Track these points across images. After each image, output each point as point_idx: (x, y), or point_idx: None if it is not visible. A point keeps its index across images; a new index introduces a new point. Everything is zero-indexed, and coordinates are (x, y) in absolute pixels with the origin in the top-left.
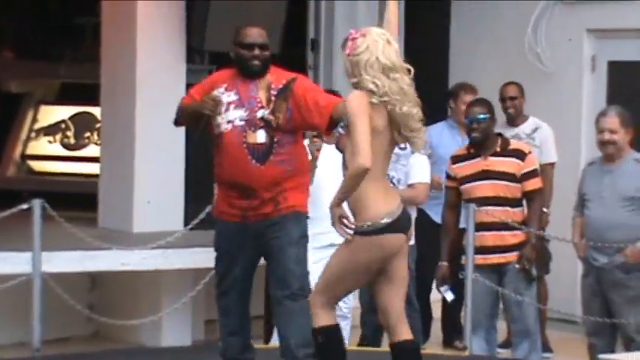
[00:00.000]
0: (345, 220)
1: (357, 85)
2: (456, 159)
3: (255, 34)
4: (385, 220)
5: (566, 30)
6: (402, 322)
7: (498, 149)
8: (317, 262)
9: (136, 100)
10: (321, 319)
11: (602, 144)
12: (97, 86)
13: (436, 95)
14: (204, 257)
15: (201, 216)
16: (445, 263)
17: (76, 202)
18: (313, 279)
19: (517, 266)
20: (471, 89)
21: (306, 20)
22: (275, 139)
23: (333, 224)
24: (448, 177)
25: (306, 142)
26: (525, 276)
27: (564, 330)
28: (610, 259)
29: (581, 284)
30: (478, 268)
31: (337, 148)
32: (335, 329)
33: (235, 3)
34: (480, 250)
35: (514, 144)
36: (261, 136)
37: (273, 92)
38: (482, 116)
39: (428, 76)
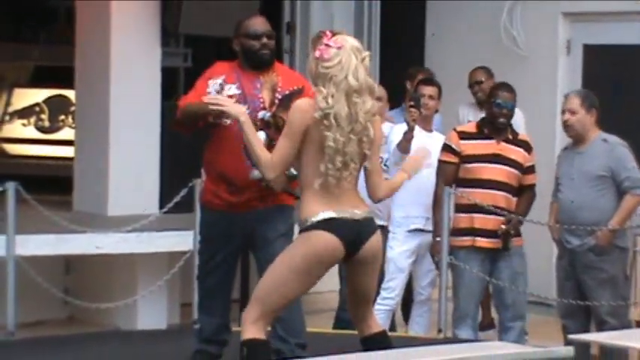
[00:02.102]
0: None
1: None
2: (464, 135)
3: (261, 23)
4: (312, 219)
5: (541, 14)
6: (368, 318)
7: (510, 137)
8: (409, 257)
9: (110, 83)
10: (249, 333)
11: (564, 125)
12: (72, 69)
13: None
14: (179, 240)
15: (176, 199)
16: (439, 239)
17: (50, 186)
18: (401, 266)
19: (503, 227)
20: (427, 71)
21: (282, 4)
22: (272, 142)
23: None
24: (449, 149)
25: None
26: (504, 242)
27: (539, 313)
28: (582, 242)
29: (555, 267)
30: (473, 250)
31: None
32: (262, 344)
33: None
34: (480, 232)
35: (521, 135)
36: (259, 138)
37: (278, 95)
38: (510, 103)
39: (404, 61)
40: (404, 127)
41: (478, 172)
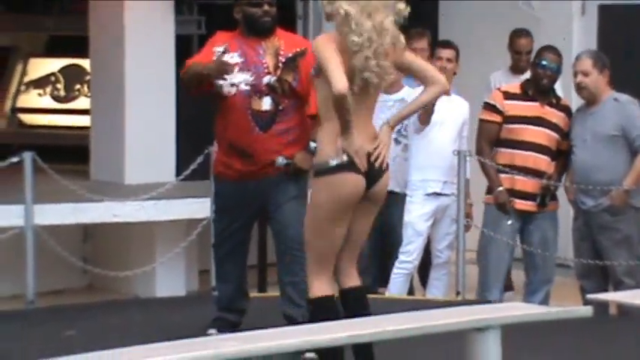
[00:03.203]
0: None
1: (330, 15)
2: (509, 95)
3: None
4: (334, 161)
5: None
6: (348, 271)
7: (554, 100)
8: (426, 220)
9: (125, 51)
10: (315, 289)
11: (577, 87)
12: (86, 38)
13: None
14: (196, 208)
15: (193, 167)
16: (502, 188)
17: (67, 155)
18: (419, 229)
19: (544, 181)
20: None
21: None
22: (280, 107)
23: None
24: (492, 109)
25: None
26: (542, 198)
27: (558, 274)
28: (597, 202)
29: (572, 228)
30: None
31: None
32: (327, 300)
33: None
34: (516, 194)
35: (564, 100)
36: (266, 104)
37: (282, 59)
38: (556, 66)
39: (419, 22)
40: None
41: (521, 134)
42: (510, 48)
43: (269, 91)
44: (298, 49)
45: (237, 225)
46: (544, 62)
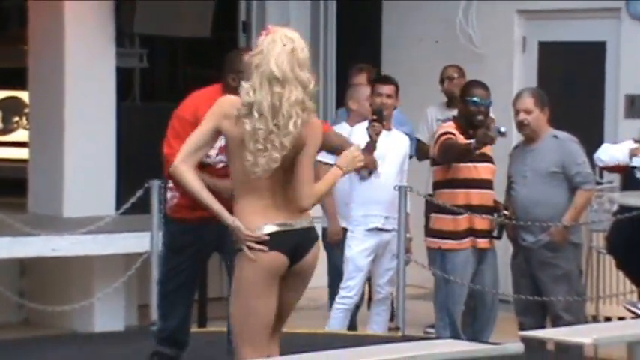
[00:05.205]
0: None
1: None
2: (453, 134)
3: None
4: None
5: (496, 12)
6: (274, 338)
7: None
8: (367, 256)
9: (64, 83)
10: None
11: (519, 125)
12: (25, 70)
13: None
14: (135, 242)
15: (133, 200)
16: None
17: (4, 188)
18: (359, 264)
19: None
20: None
21: (237, 3)
22: None
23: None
24: (452, 134)
25: (365, 124)
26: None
27: (499, 309)
28: (536, 239)
29: (510, 264)
30: (471, 252)
31: None
32: None
33: None
34: (477, 233)
35: None
36: None
37: None
38: (487, 101)
39: (360, 59)
40: (364, 125)
41: (472, 172)
42: (440, 80)
43: None
44: None
45: (187, 264)
46: (475, 99)
